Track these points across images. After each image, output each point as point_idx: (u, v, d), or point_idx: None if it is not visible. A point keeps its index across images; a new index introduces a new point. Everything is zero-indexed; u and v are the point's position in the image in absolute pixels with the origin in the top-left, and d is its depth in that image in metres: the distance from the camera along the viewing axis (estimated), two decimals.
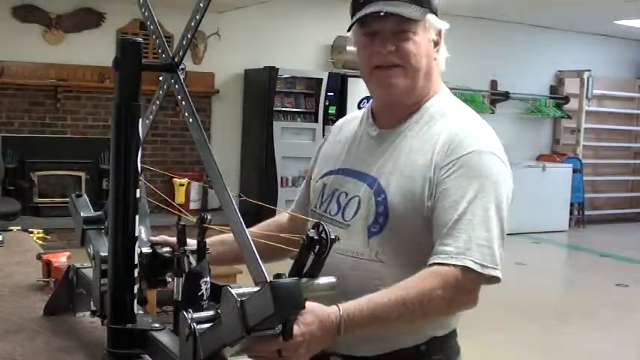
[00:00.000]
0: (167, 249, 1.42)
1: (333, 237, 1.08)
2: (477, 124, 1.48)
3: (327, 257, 1.15)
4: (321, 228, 1.08)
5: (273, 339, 1.09)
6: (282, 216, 1.77)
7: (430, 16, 1.46)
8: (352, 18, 1.47)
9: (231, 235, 1.15)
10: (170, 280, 1.43)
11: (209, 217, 1.24)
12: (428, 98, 1.51)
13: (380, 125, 1.55)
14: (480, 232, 1.34)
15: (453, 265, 1.32)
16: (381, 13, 1.41)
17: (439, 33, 1.50)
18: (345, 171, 1.55)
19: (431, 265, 1.34)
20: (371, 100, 1.61)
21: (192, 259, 1.30)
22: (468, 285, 1.33)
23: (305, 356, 1.17)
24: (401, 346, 1.45)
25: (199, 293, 1.21)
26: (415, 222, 1.42)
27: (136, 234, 1.29)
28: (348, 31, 1.51)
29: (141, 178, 1.34)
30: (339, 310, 1.23)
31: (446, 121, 1.47)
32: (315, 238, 1.08)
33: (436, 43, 1.49)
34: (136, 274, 1.30)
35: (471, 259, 1.32)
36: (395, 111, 1.52)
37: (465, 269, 1.31)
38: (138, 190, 1.28)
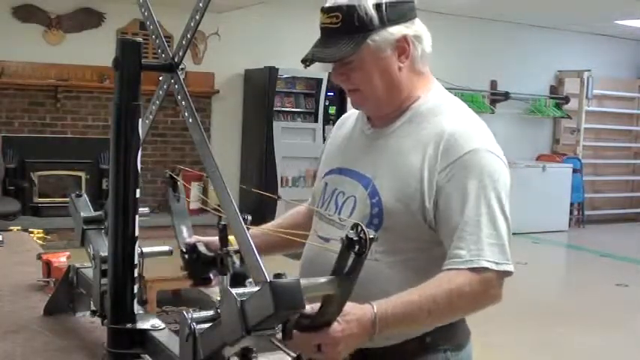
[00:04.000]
0: (204, 249, 1.51)
1: (372, 236, 1.09)
2: (471, 122, 1.48)
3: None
4: (359, 228, 1.09)
5: (315, 333, 1.16)
6: (301, 207, 1.82)
7: (377, 36, 1.42)
8: None
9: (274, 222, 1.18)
10: (214, 277, 1.49)
11: (249, 217, 1.26)
12: (416, 99, 1.51)
13: (373, 124, 1.57)
14: (488, 231, 1.38)
15: (471, 269, 1.36)
16: (307, 63, 1.45)
17: (403, 39, 1.45)
18: (343, 170, 1.58)
19: (448, 269, 1.38)
20: None
21: (236, 258, 1.31)
22: (489, 282, 1.38)
23: (343, 353, 1.21)
24: (407, 337, 1.46)
25: None
26: (410, 223, 1.44)
27: (136, 234, 1.29)
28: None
29: (179, 179, 1.37)
30: (373, 308, 1.26)
31: (439, 120, 1.47)
32: (355, 238, 1.08)
33: (403, 50, 1.46)
34: (136, 274, 1.30)
35: (485, 259, 1.36)
36: (383, 116, 1.55)
37: (482, 270, 1.36)
38: (138, 190, 1.28)
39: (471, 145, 1.42)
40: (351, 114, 1.70)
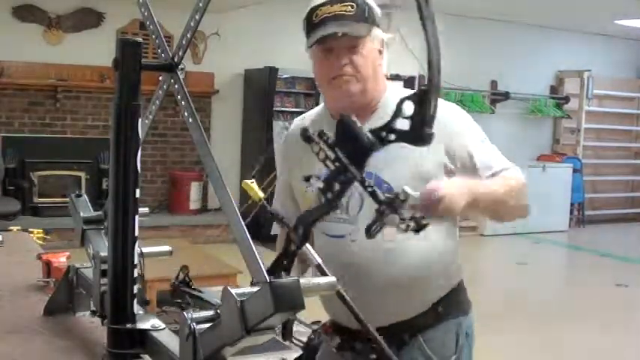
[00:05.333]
0: None
1: None
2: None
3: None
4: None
5: (431, 188, 1.38)
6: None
7: (375, 31, 1.67)
8: (308, 35, 1.69)
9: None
10: None
11: None
12: (380, 97, 1.73)
13: None
14: (504, 160, 1.75)
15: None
16: (339, 34, 1.61)
17: (382, 43, 1.72)
18: None
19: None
20: (322, 105, 1.83)
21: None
22: (526, 189, 1.74)
23: (460, 201, 1.45)
24: (422, 309, 1.67)
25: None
26: None
27: (136, 234, 1.29)
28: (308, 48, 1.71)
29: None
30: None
31: None
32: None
33: (380, 51, 1.72)
34: (135, 274, 1.30)
35: (520, 176, 1.72)
36: (357, 111, 1.63)
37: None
38: (138, 190, 1.28)
39: (453, 113, 1.73)
40: (302, 125, 1.87)
